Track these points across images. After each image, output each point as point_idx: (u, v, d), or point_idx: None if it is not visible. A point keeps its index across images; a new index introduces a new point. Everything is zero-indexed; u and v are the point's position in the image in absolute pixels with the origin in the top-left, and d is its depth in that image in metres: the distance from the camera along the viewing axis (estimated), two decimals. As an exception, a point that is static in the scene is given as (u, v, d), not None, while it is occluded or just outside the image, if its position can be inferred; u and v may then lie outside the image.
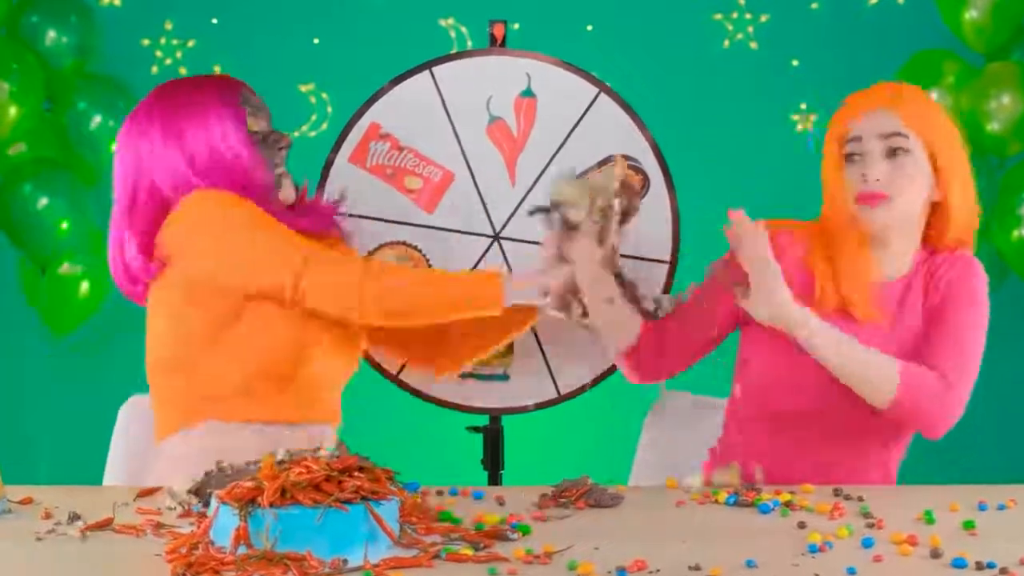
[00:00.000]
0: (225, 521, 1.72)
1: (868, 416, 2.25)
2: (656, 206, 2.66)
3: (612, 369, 2.65)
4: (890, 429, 2.29)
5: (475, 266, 2.69)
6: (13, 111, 3.89)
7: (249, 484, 1.73)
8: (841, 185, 2.31)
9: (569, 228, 2.39)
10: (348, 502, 1.71)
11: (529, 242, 2.68)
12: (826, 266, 2.31)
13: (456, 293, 2.33)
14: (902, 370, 2.20)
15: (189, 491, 1.97)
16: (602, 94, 2.68)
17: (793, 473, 2.25)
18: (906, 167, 2.27)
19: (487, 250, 2.70)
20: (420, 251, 2.69)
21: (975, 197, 2.34)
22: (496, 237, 2.71)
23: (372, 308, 2.28)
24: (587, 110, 2.68)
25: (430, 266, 2.68)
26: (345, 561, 1.67)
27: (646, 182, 2.67)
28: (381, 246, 2.68)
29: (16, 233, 4.05)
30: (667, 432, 2.68)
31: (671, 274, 2.66)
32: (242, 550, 1.69)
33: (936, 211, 2.32)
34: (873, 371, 2.20)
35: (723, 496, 2.05)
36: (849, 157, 2.30)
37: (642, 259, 2.64)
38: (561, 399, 2.70)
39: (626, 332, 2.42)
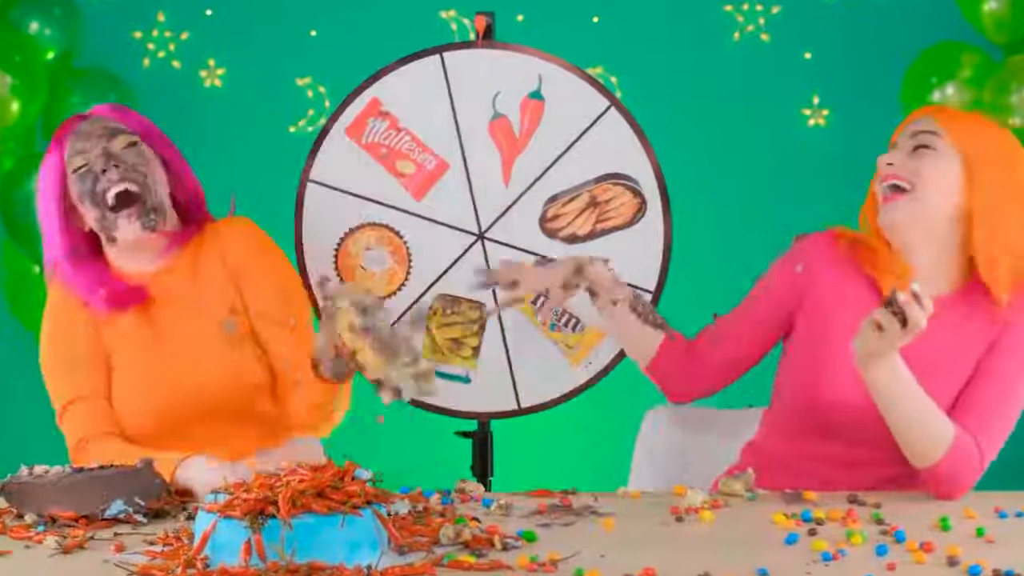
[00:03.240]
0: (228, 536, 1.71)
1: None
2: (649, 233, 2.68)
3: (579, 390, 2.68)
4: None
5: (454, 263, 2.70)
6: (15, 106, 3.89)
7: (252, 495, 1.72)
8: (872, 192, 2.33)
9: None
10: (357, 508, 1.72)
11: (512, 247, 2.70)
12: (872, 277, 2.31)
13: None
14: (955, 439, 2.16)
15: None
16: (612, 108, 2.69)
17: (839, 486, 2.24)
18: (926, 159, 2.26)
19: (469, 248, 2.72)
20: (401, 237, 2.71)
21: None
22: (480, 236, 2.72)
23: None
24: (594, 122, 2.69)
25: (409, 254, 2.70)
26: (369, 568, 1.67)
27: (643, 205, 2.68)
28: (362, 225, 2.70)
29: (16, 232, 4.06)
30: (665, 436, 2.68)
31: (654, 304, 2.67)
32: (254, 562, 1.67)
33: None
34: (929, 432, 2.16)
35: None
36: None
37: (632, 286, 2.65)
38: (520, 412, 2.71)
39: (644, 345, 2.42)
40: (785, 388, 2.38)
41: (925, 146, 2.27)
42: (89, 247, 2.46)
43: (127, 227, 2.38)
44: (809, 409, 2.31)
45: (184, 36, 4.35)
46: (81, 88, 4.11)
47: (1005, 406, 2.23)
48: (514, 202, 2.71)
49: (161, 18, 4.35)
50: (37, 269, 4.09)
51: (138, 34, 4.35)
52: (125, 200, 2.37)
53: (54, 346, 2.45)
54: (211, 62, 4.33)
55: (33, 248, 4.06)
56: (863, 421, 2.24)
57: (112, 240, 2.41)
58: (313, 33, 4.36)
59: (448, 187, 2.71)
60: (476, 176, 2.72)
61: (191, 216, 2.49)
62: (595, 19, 4.34)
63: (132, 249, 2.43)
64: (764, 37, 4.36)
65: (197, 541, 1.73)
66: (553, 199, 2.70)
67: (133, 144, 2.41)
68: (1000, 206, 2.24)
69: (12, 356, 4.28)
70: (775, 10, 4.34)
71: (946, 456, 2.15)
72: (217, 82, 4.33)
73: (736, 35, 4.36)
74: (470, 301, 2.70)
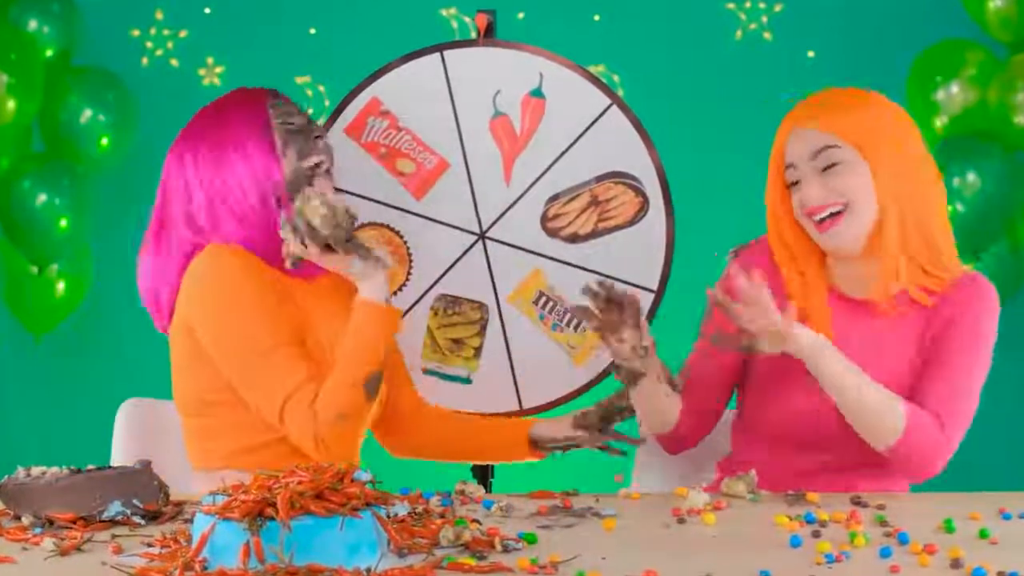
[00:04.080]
0: (226, 538, 1.70)
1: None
2: (651, 232, 2.68)
3: (581, 390, 2.68)
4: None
5: (455, 263, 2.70)
6: (11, 104, 3.90)
7: (250, 497, 1.72)
8: (789, 208, 2.32)
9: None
10: (356, 510, 1.73)
11: (513, 246, 2.70)
12: (796, 280, 2.33)
13: None
14: (909, 415, 2.20)
15: None
16: (613, 106, 2.69)
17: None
18: (843, 175, 2.25)
19: (470, 247, 2.72)
20: (402, 237, 2.71)
21: (932, 210, 2.29)
22: (481, 236, 2.72)
23: (333, 452, 2.28)
24: (595, 120, 2.69)
25: (409, 253, 2.70)
26: (368, 570, 1.68)
27: (645, 204, 2.69)
28: (363, 225, 2.70)
29: (13, 232, 4.07)
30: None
31: (656, 304, 2.67)
32: (253, 565, 1.67)
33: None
34: (880, 409, 2.20)
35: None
36: (792, 185, 2.31)
37: (628, 283, 2.65)
38: (522, 413, 2.71)
39: (666, 413, 2.38)
40: (748, 401, 2.40)
41: (833, 164, 2.25)
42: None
43: (322, 186, 2.40)
44: (771, 420, 2.33)
45: (183, 34, 4.35)
46: (79, 86, 4.12)
47: (959, 378, 2.26)
48: (515, 201, 2.71)
49: (159, 16, 4.35)
50: (35, 269, 4.10)
51: (136, 32, 4.35)
52: (320, 168, 2.42)
53: (255, 332, 2.29)
54: (210, 60, 4.34)
55: (30, 248, 4.07)
56: (826, 429, 2.27)
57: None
58: (312, 31, 4.36)
59: (449, 186, 2.71)
60: (477, 175, 2.72)
61: None
62: (596, 17, 4.34)
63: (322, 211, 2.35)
64: (766, 35, 4.36)
65: (195, 543, 1.72)
66: (554, 198, 2.70)
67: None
68: (902, 200, 2.25)
69: (10, 357, 4.29)
70: (777, 8, 4.34)
71: (904, 435, 2.19)
72: (216, 80, 4.33)
73: (738, 33, 4.36)
74: (471, 301, 2.70)
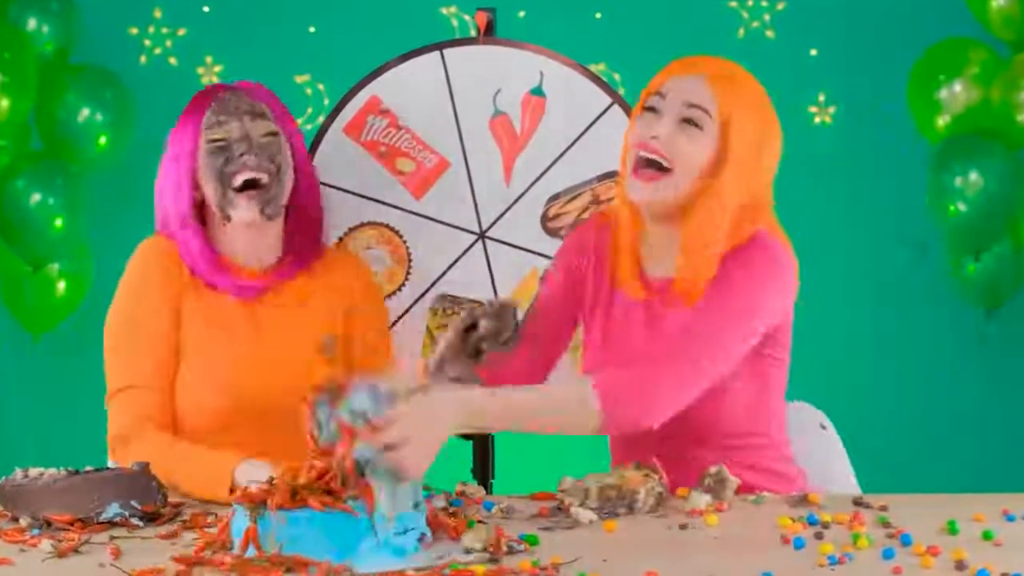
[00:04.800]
0: (240, 523, 1.77)
1: (701, 425, 2.20)
2: None
3: None
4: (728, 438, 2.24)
5: (455, 262, 2.70)
6: (5, 103, 3.89)
7: (265, 486, 1.77)
8: (626, 145, 2.25)
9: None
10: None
11: (514, 246, 2.70)
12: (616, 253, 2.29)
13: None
14: (595, 382, 2.05)
15: None
16: (614, 105, 2.69)
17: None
18: (693, 139, 2.18)
19: (470, 247, 2.72)
20: (401, 237, 2.71)
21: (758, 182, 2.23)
22: (481, 235, 2.72)
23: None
24: (596, 119, 2.69)
25: (408, 253, 2.69)
26: (349, 570, 1.68)
27: None
28: (362, 224, 2.70)
29: (9, 232, 4.06)
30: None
31: None
32: (252, 552, 1.73)
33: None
34: (561, 404, 2.07)
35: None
36: (647, 110, 2.24)
37: None
38: None
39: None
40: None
41: (695, 124, 2.19)
42: (202, 223, 2.44)
43: (245, 208, 2.37)
44: None
45: (181, 33, 4.35)
46: (77, 85, 4.11)
47: (704, 316, 2.13)
48: (515, 201, 2.71)
49: (158, 14, 4.35)
50: (32, 270, 4.10)
51: (135, 30, 4.35)
52: (251, 187, 2.37)
53: (123, 323, 2.39)
54: (208, 59, 4.33)
55: (25, 248, 4.06)
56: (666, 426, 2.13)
57: (227, 219, 2.39)
58: (312, 30, 4.36)
59: (448, 186, 2.71)
60: (477, 174, 2.71)
61: (301, 222, 2.48)
62: (597, 15, 4.34)
63: (244, 236, 2.40)
64: (769, 34, 4.36)
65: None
66: (555, 198, 2.70)
67: (274, 134, 2.40)
68: (728, 193, 2.19)
69: (9, 357, 4.29)
70: (780, 6, 4.34)
71: (601, 401, 2.02)
72: (215, 79, 4.32)
73: (741, 32, 4.36)
74: (471, 301, 2.70)
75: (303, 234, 2.48)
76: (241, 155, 2.37)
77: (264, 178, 2.37)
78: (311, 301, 2.46)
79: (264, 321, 2.42)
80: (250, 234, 2.41)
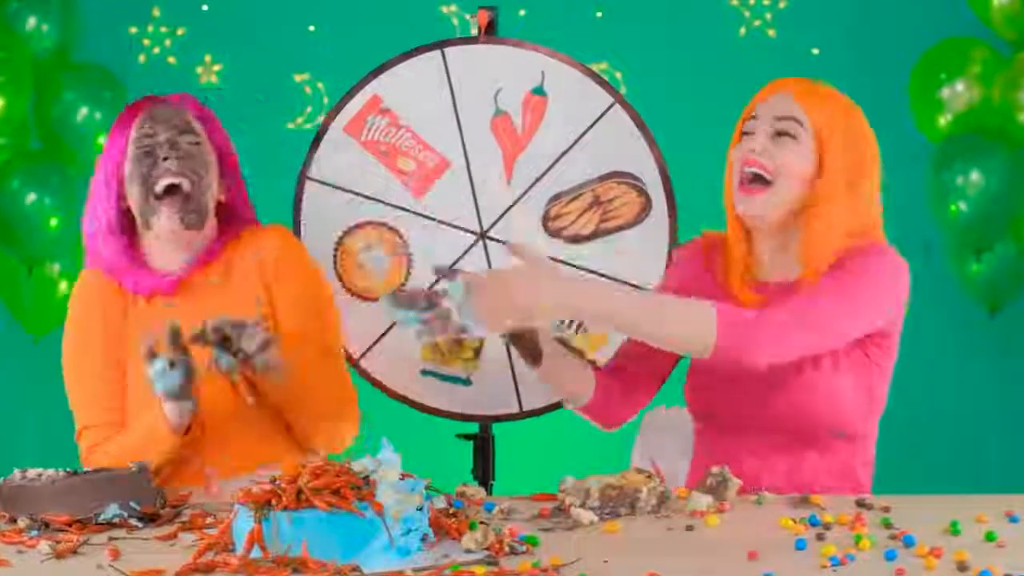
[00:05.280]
0: (242, 523, 1.77)
1: (807, 420, 2.26)
2: (653, 232, 2.67)
3: None
4: (829, 435, 2.29)
5: (456, 262, 2.70)
6: (1, 102, 3.89)
7: (268, 486, 1.77)
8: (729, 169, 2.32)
9: None
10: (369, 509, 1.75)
11: None
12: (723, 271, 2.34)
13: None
14: (716, 309, 2.13)
15: None
16: (616, 105, 2.68)
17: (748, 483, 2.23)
18: (789, 149, 2.26)
19: (470, 247, 2.71)
20: (401, 236, 2.70)
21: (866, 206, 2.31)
22: (482, 235, 2.72)
23: None
24: (598, 119, 2.68)
25: (409, 252, 2.69)
26: (355, 569, 1.68)
27: (647, 204, 2.68)
28: (362, 224, 2.70)
29: (5, 231, 4.06)
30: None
31: None
32: (256, 553, 1.72)
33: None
34: (681, 314, 2.14)
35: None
36: (745, 135, 2.31)
37: (630, 284, 2.65)
38: (522, 415, 2.71)
39: (579, 382, 2.37)
40: (687, 396, 2.40)
41: (789, 135, 2.27)
42: (127, 231, 2.47)
43: (166, 218, 2.40)
44: (706, 414, 2.35)
45: (180, 31, 4.35)
46: (76, 83, 4.11)
47: (812, 292, 2.21)
48: (516, 201, 2.71)
49: (157, 13, 4.35)
50: (28, 270, 4.09)
51: (134, 29, 4.34)
52: (172, 193, 2.40)
53: (70, 364, 2.50)
54: (207, 58, 4.33)
55: (21, 248, 4.06)
56: (741, 409, 2.26)
57: (148, 227, 2.42)
58: (312, 28, 4.35)
59: (449, 185, 2.71)
60: (477, 174, 2.71)
61: (233, 221, 2.51)
62: (599, 14, 4.34)
63: (167, 241, 2.44)
64: (771, 32, 4.35)
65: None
66: (556, 198, 2.70)
67: (198, 144, 2.43)
68: (838, 199, 2.27)
69: (9, 357, 4.29)
70: (782, 5, 4.34)
71: (719, 321, 2.11)
72: (214, 78, 4.32)
73: (742, 30, 4.36)
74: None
75: (231, 227, 2.51)
76: (165, 159, 2.40)
77: (185, 184, 2.40)
78: (234, 276, 2.47)
79: (188, 316, 2.36)
80: (173, 242, 2.44)
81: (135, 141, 2.42)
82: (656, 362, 2.39)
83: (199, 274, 2.46)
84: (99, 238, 2.46)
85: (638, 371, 2.40)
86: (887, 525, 1.97)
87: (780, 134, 2.27)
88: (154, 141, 2.41)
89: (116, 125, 2.47)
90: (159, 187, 2.40)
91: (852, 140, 2.30)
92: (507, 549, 1.80)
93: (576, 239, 2.70)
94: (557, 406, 2.70)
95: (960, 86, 4.02)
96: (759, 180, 2.26)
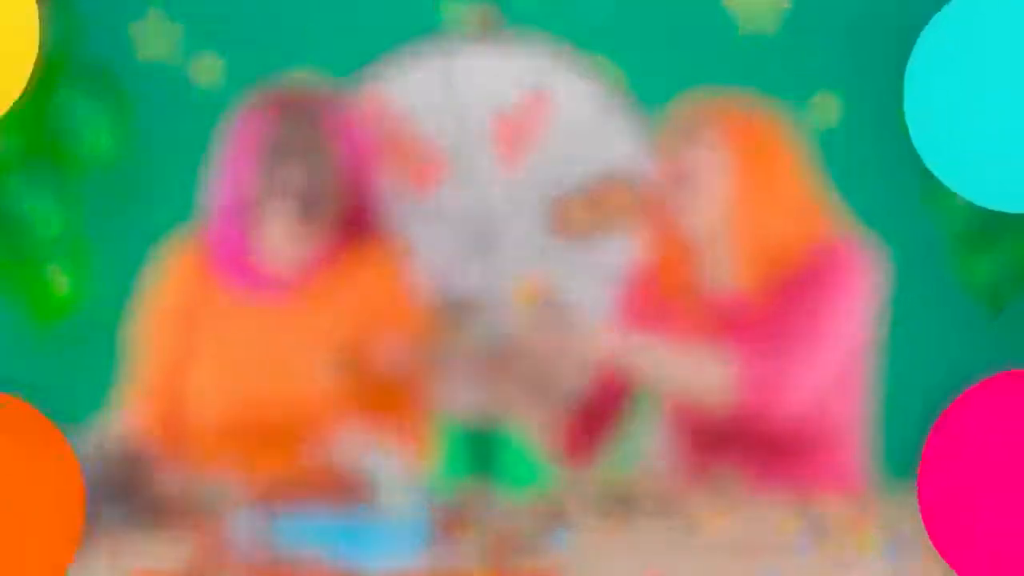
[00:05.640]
0: (243, 524, 1.79)
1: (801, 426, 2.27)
2: None
3: None
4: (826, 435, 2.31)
5: (456, 262, 2.70)
6: None
7: (269, 486, 1.81)
8: None
9: None
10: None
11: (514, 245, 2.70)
12: None
13: None
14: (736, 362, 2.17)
15: None
16: (617, 104, 2.68)
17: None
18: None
19: (470, 247, 2.71)
20: (401, 236, 2.70)
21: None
22: (482, 235, 2.72)
23: None
24: (599, 118, 2.68)
25: (409, 253, 2.69)
26: (355, 570, 1.69)
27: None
28: None
29: (3, 229, 4.06)
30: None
31: None
32: (256, 554, 1.74)
33: None
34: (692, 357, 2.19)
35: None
36: None
37: None
38: None
39: None
40: None
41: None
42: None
43: (281, 218, 2.37)
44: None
45: (179, 30, 4.35)
46: (74, 82, 4.11)
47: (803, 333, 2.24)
48: (517, 200, 2.71)
49: (156, 12, 4.35)
50: (28, 269, 4.09)
51: (132, 27, 4.34)
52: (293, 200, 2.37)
53: (139, 332, 2.48)
54: (207, 57, 4.33)
55: (21, 247, 4.06)
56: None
57: (263, 219, 2.40)
58: (311, 27, 4.35)
59: (449, 185, 2.71)
60: (477, 173, 2.71)
61: (351, 229, 2.45)
62: (600, 13, 4.33)
63: (279, 239, 2.40)
64: (772, 32, 4.35)
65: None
66: (556, 197, 2.70)
67: (330, 161, 2.38)
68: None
69: (8, 357, 4.29)
70: (783, 4, 4.33)
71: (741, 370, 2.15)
72: (213, 77, 4.32)
73: (743, 30, 4.35)
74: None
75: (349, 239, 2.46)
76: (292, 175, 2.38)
77: (310, 203, 2.38)
78: (331, 303, 2.42)
79: (279, 325, 2.39)
80: (284, 241, 2.41)
81: (273, 144, 2.39)
82: None
83: (305, 284, 2.42)
84: (223, 219, 2.44)
85: None
86: (887, 525, 1.97)
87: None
88: (288, 152, 2.38)
89: (259, 114, 2.45)
90: (282, 194, 2.37)
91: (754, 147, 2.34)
92: (507, 549, 1.80)
93: (576, 239, 2.70)
94: (556, 406, 2.71)
95: (960, 86, 4.02)
96: None
